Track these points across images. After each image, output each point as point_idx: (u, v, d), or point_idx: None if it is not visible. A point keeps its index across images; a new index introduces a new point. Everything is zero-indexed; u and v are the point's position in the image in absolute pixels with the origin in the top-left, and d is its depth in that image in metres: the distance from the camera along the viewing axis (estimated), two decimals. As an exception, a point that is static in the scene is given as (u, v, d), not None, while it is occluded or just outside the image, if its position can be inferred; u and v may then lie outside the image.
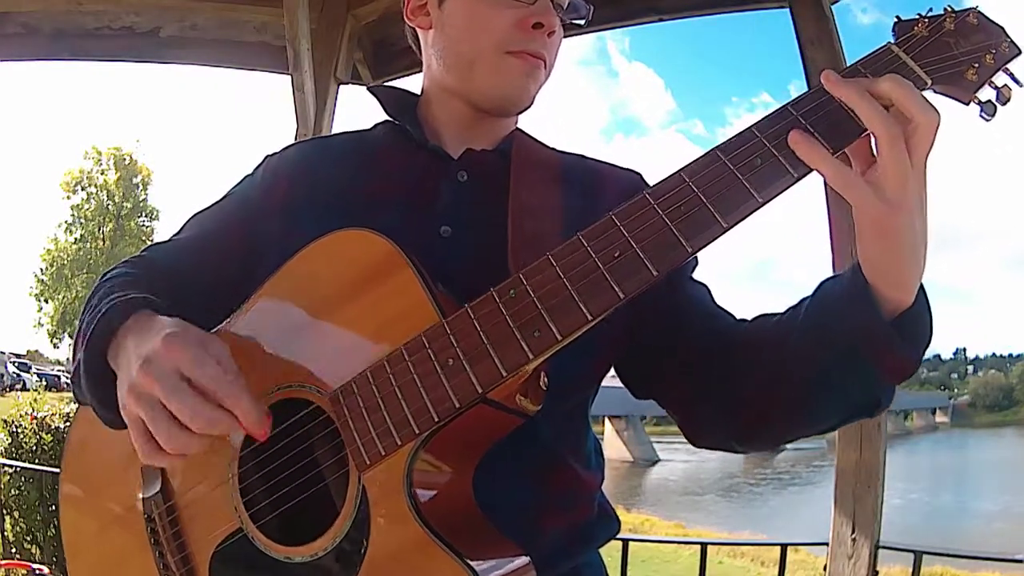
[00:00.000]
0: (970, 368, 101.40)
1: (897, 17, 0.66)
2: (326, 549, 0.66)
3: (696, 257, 0.87)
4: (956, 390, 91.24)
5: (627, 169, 0.91)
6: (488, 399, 0.63)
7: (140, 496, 0.80)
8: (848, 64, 0.65)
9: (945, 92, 0.64)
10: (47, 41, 3.07)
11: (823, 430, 0.74)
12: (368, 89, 0.92)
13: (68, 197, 30.80)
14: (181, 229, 0.91)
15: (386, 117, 0.91)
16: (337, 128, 3.08)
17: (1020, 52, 0.64)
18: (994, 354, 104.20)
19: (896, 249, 0.61)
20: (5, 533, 4.35)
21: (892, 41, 0.65)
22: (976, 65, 0.63)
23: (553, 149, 0.91)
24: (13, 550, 4.33)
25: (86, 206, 30.69)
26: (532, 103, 0.86)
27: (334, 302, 0.69)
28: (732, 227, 0.59)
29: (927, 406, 73.16)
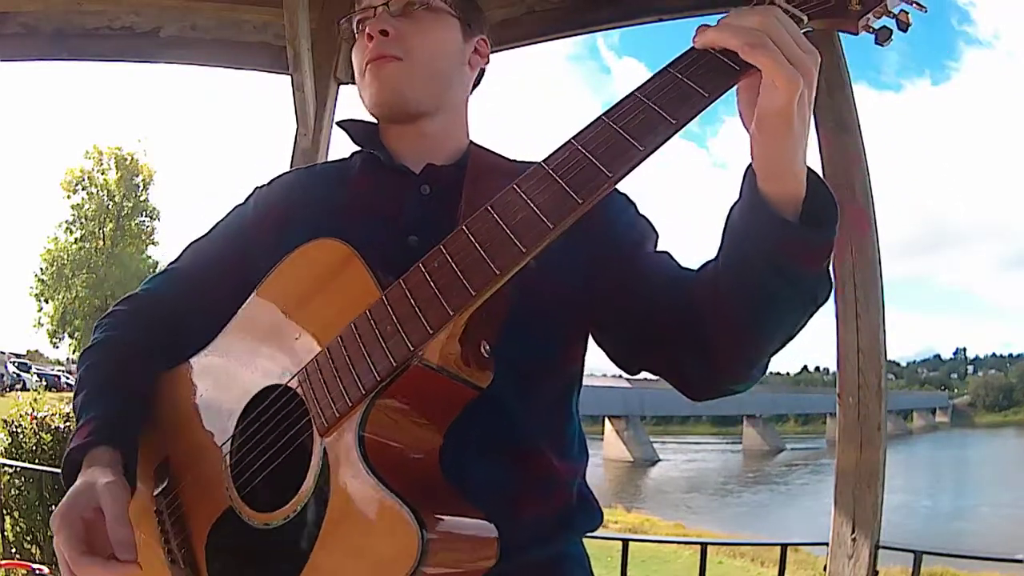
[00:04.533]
0: (970, 368, 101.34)
1: None
2: (296, 511, 0.73)
3: (655, 232, 0.94)
4: (956, 390, 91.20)
5: None
6: (428, 363, 0.70)
7: (153, 495, 0.87)
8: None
9: (831, 26, 0.69)
10: (47, 41, 3.07)
11: (786, 338, 0.78)
12: (337, 124, 1.02)
13: (68, 197, 30.78)
14: (178, 258, 1.01)
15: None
16: (337, 128, 3.08)
17: None
18: (994, 354, 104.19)
19: (795, 136, 0.67)
20: (5, 533, 4.35)
21: None
22: None
23: (509, 159, 0.99)
24: (13, 550, 4.33)
25: (86, 206, 30.68)
26: (414, 99, 0.93)
27: (305, 298, 0.80)
28: (618, 177, 0.65)
29: (927, 406, 72.91)
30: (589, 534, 0.94)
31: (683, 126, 0.65)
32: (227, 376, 0.86)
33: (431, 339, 0.69)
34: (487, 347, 0.75)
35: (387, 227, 0.89)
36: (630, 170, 0.65)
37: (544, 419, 0.89)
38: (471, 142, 1.00)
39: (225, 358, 0.87)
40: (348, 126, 1.01)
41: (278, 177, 1.04)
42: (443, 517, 0.67)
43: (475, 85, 1.05)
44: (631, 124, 0.65)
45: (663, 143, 0.65)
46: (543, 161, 0.68)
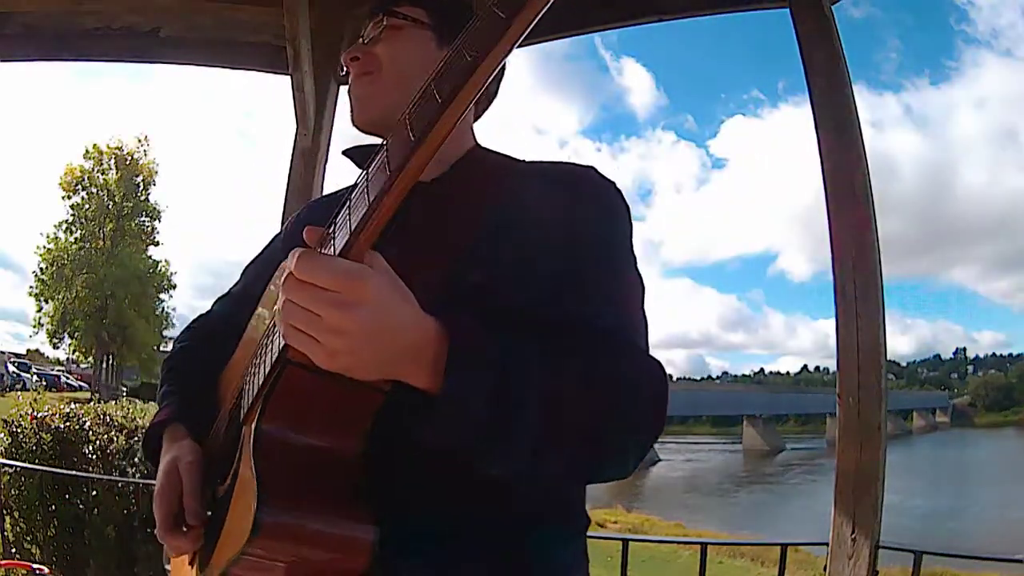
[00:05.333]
0: (970, 368, 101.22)
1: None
2: (229, 485, 0.85)
3: (630, 252, 0.94)
4: (956, 390, 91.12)
5: (575, 164, 1.00)
6: (303, 363, 0.73)
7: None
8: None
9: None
10: (47, 41, 3.07)
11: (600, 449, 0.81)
12: (342, 153, 1.07)
13: (68, 197, 30.80)
14: (237, 281, 1.20)
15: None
16: (337, 128, 3.08)
17: None
18: (994, 354, 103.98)
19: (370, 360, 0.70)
20: (5, 533, 4.35)
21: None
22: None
23: (514, 159, 1.01)
24: (13, 550, 4.33)
25: (86, 206, 30.70)
26: (384, 106, 0.99)
27: (269, 307, 0.92)
28: (483, 65, 0.64)
29: (927, 406, 72.95)
30: (590, 538, 0.94)
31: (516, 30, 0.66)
32: (230, 377, 1.01)
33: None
34: None
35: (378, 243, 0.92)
36: (498, 63, 0.65)
37: None
38: (476, 145, 1.03)
39: (232, 362, 1.03)
40: (352, 153, 1.07)
41: (307, 204, 1.18)
42: (301, 508, 0.73)
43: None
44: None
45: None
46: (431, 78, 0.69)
